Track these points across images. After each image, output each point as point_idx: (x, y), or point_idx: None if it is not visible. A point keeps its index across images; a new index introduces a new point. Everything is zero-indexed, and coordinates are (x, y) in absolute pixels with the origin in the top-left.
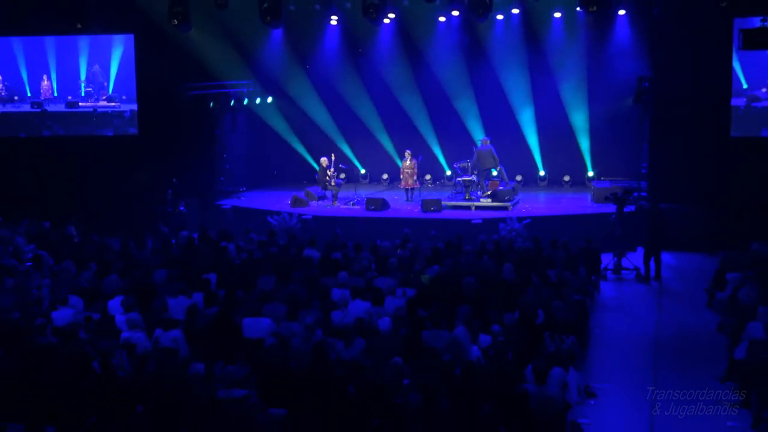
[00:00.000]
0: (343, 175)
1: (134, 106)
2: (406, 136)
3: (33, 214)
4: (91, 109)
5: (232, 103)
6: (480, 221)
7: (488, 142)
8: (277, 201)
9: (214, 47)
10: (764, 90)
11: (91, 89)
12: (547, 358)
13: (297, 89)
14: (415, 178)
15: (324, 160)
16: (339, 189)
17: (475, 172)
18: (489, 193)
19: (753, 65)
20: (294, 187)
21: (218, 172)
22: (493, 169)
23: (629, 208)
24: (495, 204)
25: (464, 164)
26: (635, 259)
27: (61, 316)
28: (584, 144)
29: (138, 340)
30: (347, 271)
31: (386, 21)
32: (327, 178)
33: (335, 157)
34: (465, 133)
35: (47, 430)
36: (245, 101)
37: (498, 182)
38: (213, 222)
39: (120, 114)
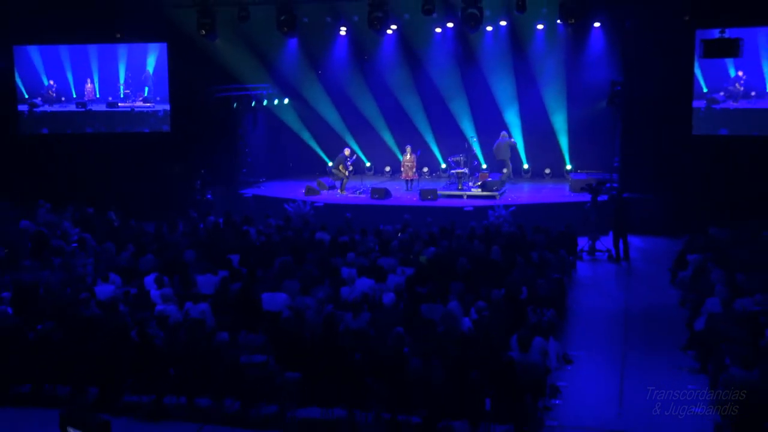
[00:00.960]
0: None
1: (167, 107)
2: (406, 133)
3: (78, 201)
4: (129, 109)
5: (253, 103)
6: (471, 209)
7: (506, 135)
8: (293, 190)
9: (237, 54)
10: (722, 94)
11: (129, 91)
12: (530, 329)
13: (310, 91)
14: (414, 170)
15: (347, 150)
16: (348, 178)
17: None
18: (479, 183)
19: (712, 71)
20: (307, 177)
21: (241, 164)
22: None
23: (602, 198)
24: (484, 193)
25: (458, 158)
26: (607, 242)
27: (103, 290)
28: (563, 141)
29: (170, 312)
30: (354, 252)
31: (389, 32)
32: (345, 166)
33: (350, 152)
34: (458, 131)
35: (91, 391)
36: (264, 102)
37: (487, 174)
38: (236, 208)
39: (154, 113)
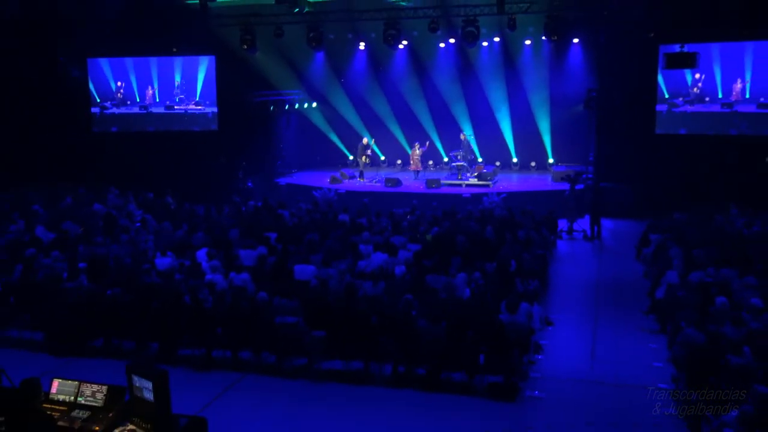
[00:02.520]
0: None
1: (215, 109)
2: (415, 132)
3: (140, 188)
4: (183, 111)
5: (286, 107)
6: (469, 195)
7: (465, 136)
8: (319, 179)
9: (274, 65)
10: (680, 99)
11: (183, 96)
12: (517, 296)
13: (334, 96)
14: (420, 163)
15: (365, 140)
16: (367, 165)
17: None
18: (476, 174)
19: (672, 80)
20: (332, 168)
21: (276, 157)
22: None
23: (579, 186)
24: (480, 182)
25: (458, 153)
26: (583, 223)
27: (162, 262)
28: (546, 138)
29: (217, 280)
30: (370, 232)
31: (401, 46)
32: (366, 155)
33: (366, 141)
34: (458, 130)
35: (152, 346)
36: (296, 105)
37: (482, 166)
38: (272, 195)
39: (204, 115)
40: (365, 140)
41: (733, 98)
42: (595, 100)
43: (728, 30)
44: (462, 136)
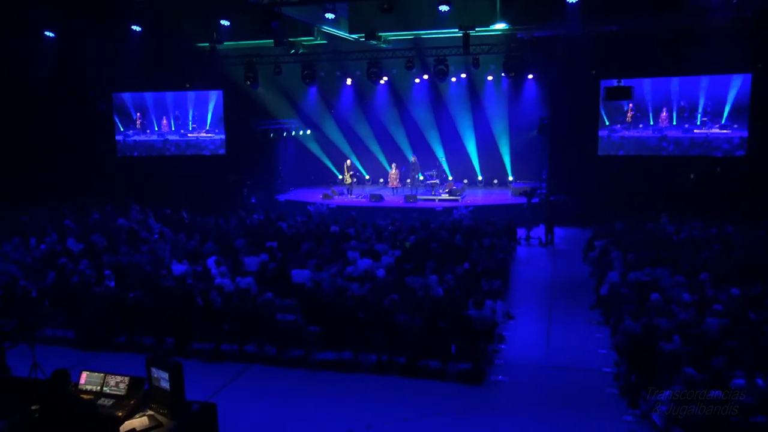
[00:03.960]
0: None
1: (223, 136)
2: (394, 154)
3: (159, 204)
4: (196, 138)
5: (284, 134)
6: (441, 208)
7: (414, 159)
8: (313, 195)
9: (273, 98)
10: (618, 126)
11: (195, 125)
12: (483, 294)
13: (325, 125)
14: (398, 181)
15: (348, 161)
16: (353, 183)
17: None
18: (447, 190)
19: (612, 110)
20: (324, 186)
21: (276, 177)
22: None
23: (535, 200)
24: (451, 197)
25: (431, 172)
26: (539, 232)
27: (177, 269)
28: (506, 159)
29: (225, 284)
30: (357, 240)
31: (382, 82)
32: (348, 174)
33: (350, 162)
34: (432, 153)
35: (168, 341)
36: (293, 132)
37: (452, 183)
38: (273, 209)
39: (214, 141)
40: (349, 161)
41: (662, 125)
42: (547, 127)
43: (657, 67)
44: (413, 159)
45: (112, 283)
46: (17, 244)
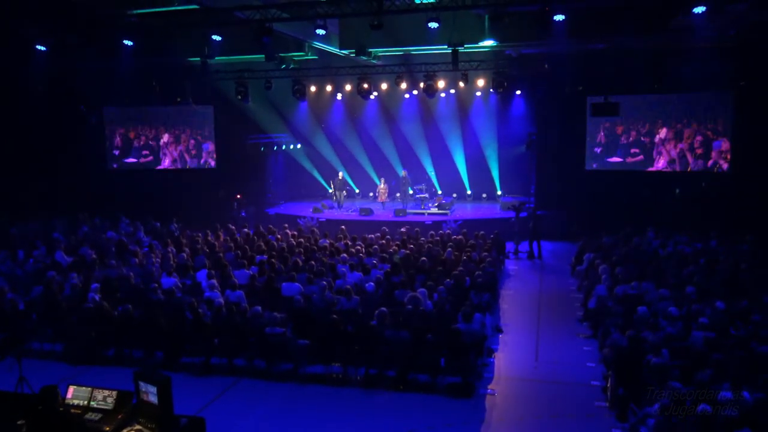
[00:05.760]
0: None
1: (214, 150)
2: (384, 169)
3: (148, 217)
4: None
5: (275, 148)
6: (430, 222)
7: (405, 173)
8: (303, 209)
9: (264, 113)
10: (604, 140)
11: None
12: (472, 307)
13: (316, 139)
14: (386, 195)
15: (340, 174)
16: (343, 197)
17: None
18: (436, 204)
19: (597, 126)
20: (314, 200)
21: (266, 191)
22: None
23: (523, 214)
24: (440, 211)
25: (420, 186)
26: (527, 245)
27: (167, 282)
28: (495, 174)
29: (215, 297)
30: (346, 254)
31: (372, 97)
32: (337, 189)
33: (341, 175)
34: (421, 168)
35: (157, 354)
36: (284, 147)
37: (441, 197)
38: (263, 222)
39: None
40: (340, 174)
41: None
42: (535, 142)
43: (642, 85)
44: (403, 173)
45: (97, 297)
46: (4, 257)
